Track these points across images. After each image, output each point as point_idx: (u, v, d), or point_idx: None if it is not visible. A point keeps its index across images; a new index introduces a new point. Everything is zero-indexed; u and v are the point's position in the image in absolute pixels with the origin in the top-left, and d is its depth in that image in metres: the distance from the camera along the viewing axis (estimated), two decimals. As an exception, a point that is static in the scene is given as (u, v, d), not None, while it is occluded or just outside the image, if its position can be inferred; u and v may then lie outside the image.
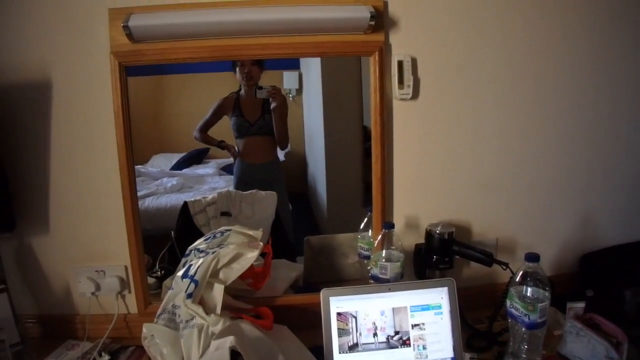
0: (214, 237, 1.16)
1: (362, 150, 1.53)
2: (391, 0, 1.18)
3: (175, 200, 1.54)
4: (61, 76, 1.15)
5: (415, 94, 1.23)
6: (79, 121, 1.17)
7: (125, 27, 1.06)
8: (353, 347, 1.03)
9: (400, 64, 1.19)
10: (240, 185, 1.58)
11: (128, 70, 1.14)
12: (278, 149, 1.62)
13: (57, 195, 1.21)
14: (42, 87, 1.15)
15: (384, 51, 1.19)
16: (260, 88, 1.49)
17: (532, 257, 0.98)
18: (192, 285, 1.03)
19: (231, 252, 1.06)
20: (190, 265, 1.07)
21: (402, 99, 1.22)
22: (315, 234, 1.52)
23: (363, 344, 1.04)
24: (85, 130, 1.18)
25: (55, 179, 1.20)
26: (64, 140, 1.18)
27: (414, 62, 1.21)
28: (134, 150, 1.18)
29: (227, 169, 1.72)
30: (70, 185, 1.20)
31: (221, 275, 1.06)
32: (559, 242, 1.40)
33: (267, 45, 1.14)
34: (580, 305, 1.16)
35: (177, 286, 1.07)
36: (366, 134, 1.31)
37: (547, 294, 0.97)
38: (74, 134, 1.18)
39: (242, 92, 1.54)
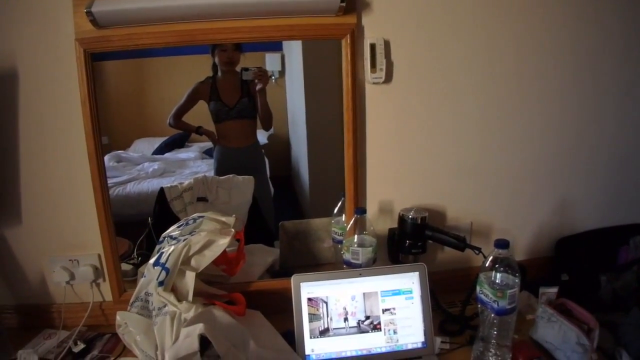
0: (187, 224, 1.16)
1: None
2: (363, -20, 1.15)
3: (157, 185, 1.52)
4: (27, 65, 1.13)
5: (389, 78, 1.21)
6: (47, 110, 1.16)
7: (89, 13, 1.03)
8: (324, 332, 1.05)
9: (372, 47, 1.17)
10: (221, 170, 1.56)
11: (106, 54, 1.12)
12: (258, 132, 1.59)
13: (28, 185, 1.20)
14: (8, 76, 1.13)
15: (356, 34, 1.16)
16: (247, 70, 1.46)
17: (502, 244, 0.97)
18: (164, 273, 1.03)
19: (202, 239, 1.06)
20: (162, 253, 1.07)
21: (374, 83, 1.20)
22: (298, 217, 1.52)
23: (334, 328, 1.05)
24: (53, 119, 1.16)
25: (25, 170, 1.19)
26: (33, 130, 1.17)
27: (387, 45, 1.19)
28: (115, 135, 1.18)
29: (209, 153, 1.69)
30: (41, 175, 1.19)
31: (193, 262, 1.06)
32: (534, 226, 1.40)
33: (235, 28, 1.12)
34: (553, 290, 1.17)
35: (150, 274, 1.07)
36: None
37: (517, 280, 0.96)
38: (42, 123, 1.16)
39: (219, 75, 1.51)
